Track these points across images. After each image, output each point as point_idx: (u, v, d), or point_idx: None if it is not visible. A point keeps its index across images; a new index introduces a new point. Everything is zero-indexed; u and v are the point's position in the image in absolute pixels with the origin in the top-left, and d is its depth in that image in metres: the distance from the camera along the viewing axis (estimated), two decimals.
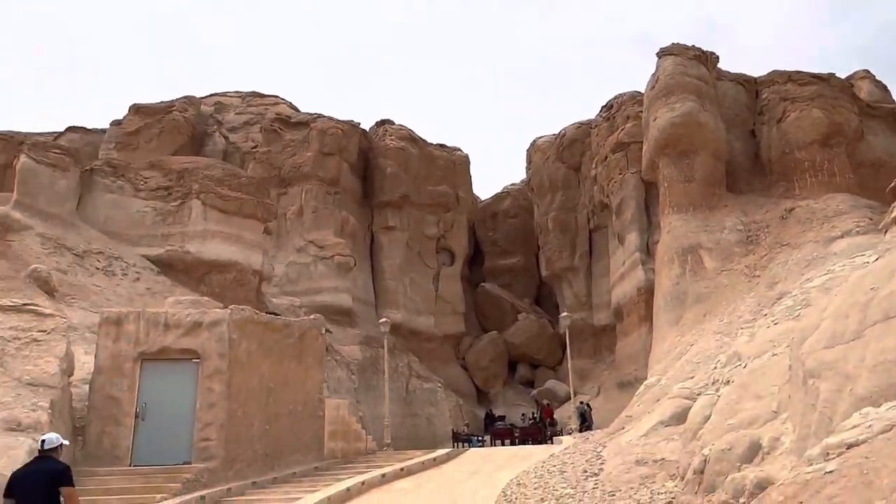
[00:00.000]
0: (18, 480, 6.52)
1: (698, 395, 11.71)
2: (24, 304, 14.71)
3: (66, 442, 6.83)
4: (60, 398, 13.14)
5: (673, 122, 20.28)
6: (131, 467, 13.55)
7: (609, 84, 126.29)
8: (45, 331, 13.84)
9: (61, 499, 6.34)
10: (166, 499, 12.00)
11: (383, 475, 14.64)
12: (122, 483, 12.57)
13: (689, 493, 6.94)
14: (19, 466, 7.04)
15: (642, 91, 37.12)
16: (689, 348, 16.22)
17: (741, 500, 5.88)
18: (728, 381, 9.13)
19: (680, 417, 11.44)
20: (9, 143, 43.66)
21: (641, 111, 33.52)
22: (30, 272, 20.47)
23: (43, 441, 6.68)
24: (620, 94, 39.27)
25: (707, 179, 20.57)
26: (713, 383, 9.89)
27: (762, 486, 5.54)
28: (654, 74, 27.46)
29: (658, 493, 8.04)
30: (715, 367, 12.27)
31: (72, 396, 14.34)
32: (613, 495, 8.73)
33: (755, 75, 31.80)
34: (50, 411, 12.34)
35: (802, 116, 23.90)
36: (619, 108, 38.30)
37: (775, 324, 12.44)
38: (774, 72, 27.89)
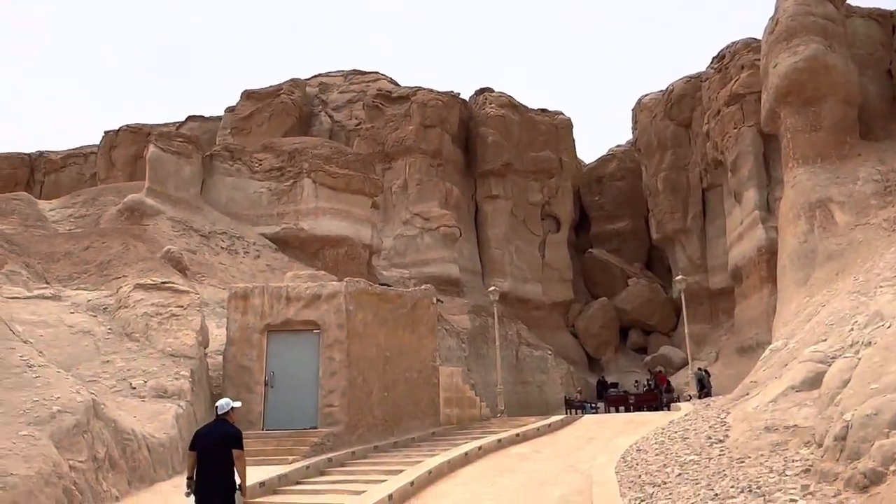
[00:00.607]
0: (200, 438, 7.53)
1: (833, 358, 10.97)
2: (163, 283, 15.95)
3: (235, 404, 7.80)
4: (199, 368, 14.22)
5: (796, 68, 18.65)
6: (264, 431, 14.49)
7: (720, 33, 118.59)
8: (182, 306, 14.96)
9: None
10: (297, 460, 12.77)
11: (499, 440, 14.83)
12: (256, 446, 13.47)
13: (830, 460, 6.53)
14: (200, 427, 8.18)
15: (758, 37, 34.62)
16: (820, 309, 15.17)
17: (891, 468, 5.48)
18: (870, 343, 8.46)
19: (813, 382, 10.78)
20: (138, 135, 47.28)
21: (758, 59, 31.22)
22: (164, 253, 22.18)
23: (217, 407, 7.71)
24: (734, 42, 36.81)
25: (836, 127, 18.83)
26: (851, 345, 9.20)
27: None
28: (772, 17, 25.37)
29: (792, 461, 7.63)
30: (852, 329, 11.41)
31: (208, 366, 15.48)
32: (742, 462, 8.38)
33: (891, 9, 28.78)
34: (191, 380, 13.40)
35: None
36: (733, 58, 35.91)
37: None
38: None
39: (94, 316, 14.95)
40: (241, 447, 7.41)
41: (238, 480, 7.31)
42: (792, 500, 6.06)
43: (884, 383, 6.99)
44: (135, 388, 12.67)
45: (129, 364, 13.27)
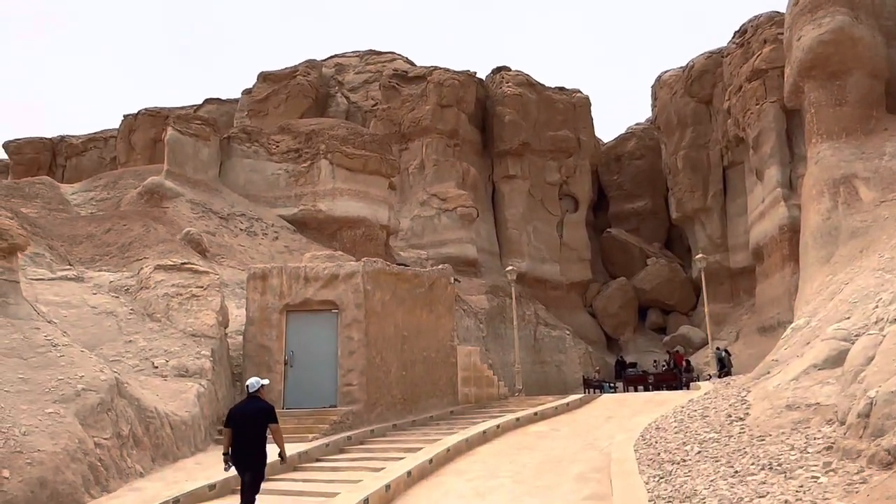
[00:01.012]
0: (235, 415, 7.82)
1: (857, 336, 10.80)
2: (183, 264, 16.10)
3: (265, 382, 8.19)
4: (219, 347, 14.39)
5: (821, 40, 18.16)
6: (284, 409, 14.64)
7: (742, 6, 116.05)
8: (202, 286, 15.11)
9: (268, 432, 7.73)
10: (317, 438, 12.90)
11: (517, 419, 14.86)
12: None
13: (853, 437, 6.45)
14: (235, 404, 8.45)
15: (780, 11, 33.84)
16: (844, 287, 14.93)
17: None
18: (895, 320, 8.32)
19: (836, 360, 10.63)
20: (156, 119, 47.62)
21: (780, 33, 30.54)
22: (184, 235, 22.38)
23: (249, 385, 8.04)
24: (756, 16, 36.08)
25: (863, 101, 18.37)
26: (876, 322, 9.04)
27: None
28: None
29: (814, 439, 7.55)
30: (876, 307, 11.23)
31: (228, 346, 15.65)
32: (763, 440, 8.31)
33: None
34: (211, 359, 13.56)
35: None
36: (755, 32, 35.20)
37: None
38: None
39: (117, 297, 15.15)
40: (276, 421, 7.79)
41: (270, 453, 7.71)
42: (814, 478, 6.01)
43: None
44: (157, 368, 12.85)
45: (151, 344, 13.46)
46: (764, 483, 6.29)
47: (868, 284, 13.72)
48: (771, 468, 6.75)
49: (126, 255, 20.86)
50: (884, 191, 16.73)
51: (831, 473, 5.98)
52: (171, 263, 16.07)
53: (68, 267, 18.18)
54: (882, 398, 6.22)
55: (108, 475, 9.16)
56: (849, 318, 12.54)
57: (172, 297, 14.87)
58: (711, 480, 6.91)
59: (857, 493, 5.05)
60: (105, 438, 9.44)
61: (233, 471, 7.78)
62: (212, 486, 9.49)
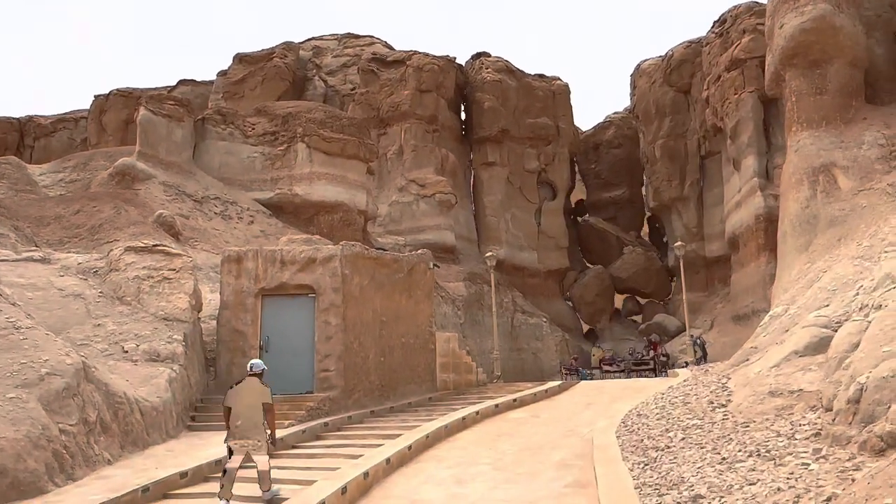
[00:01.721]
0: (232, 394, 8.32)
1: (837, 323, 10.81)
2: (155, 245, 15.62)
3: (265, 367, 8.74)
4: (192, 332, 13.98)
5: (803, 28, 18.17)
6: None
7: None
8: (174, 269, 14.66)
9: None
10: (293, 424, 12.62)
11: (496, 406, 14.71)
12: None
13: (842, 424, 6.36)
14: (234, 382, 8.81)
15: (759, 1, 33.93)
16: (822, 275, 14.98)
17: None
18: (880, 306, 8.26)
19: (817, 347, 10.62)
20: (129, 100, 46.41)
21: (759, 24, 30.59)
22: (156, 217, 21.81)
23: (252, 365, 8.62)
24: (735, 6, 36.12)
25: (842, 90, 18.43)
26: (861, 308, 9.00)
27: None
28: None
29: (800, 425, 7.47)
30: (857, 294, 11.22)
31: (202, 331, 15.24)
32: (748, 426, 8.23)
33: None
34: (184, 344, 13.17)
35: None
36: (734, 22, 35.26)
37: None
38: None
39: (85, 279, 14.64)
40: (270, 401, 8.34)
41: (268, 432, 8.27)
42: (804, 464, 5.90)
43: None
44: (127, 352, 12.43)
45: (121, 328, 13.02)
46: (753, 470, 6.17)
47: (847, 272, 13.78)
48: (759, 455, 6.65)
49: (96, 238, 20.26)
50: (862, 180, 16.83)
51: (822, 460, 5.88)
52: (143, 245, 15.58)
53: (34, 248, 17.57)
54: (873, 384, 6.13)
55: (74, 463, 8.79)
56: (828, 305, 12.57)
57: (144, 279, 14.40)
58: (699, 468, 6.79)
59: (852, 480, 4.93)
60: (70, 425, 9.06)
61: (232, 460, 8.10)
62: (183, 474, 9.17)
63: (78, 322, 12.86)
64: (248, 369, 8.60)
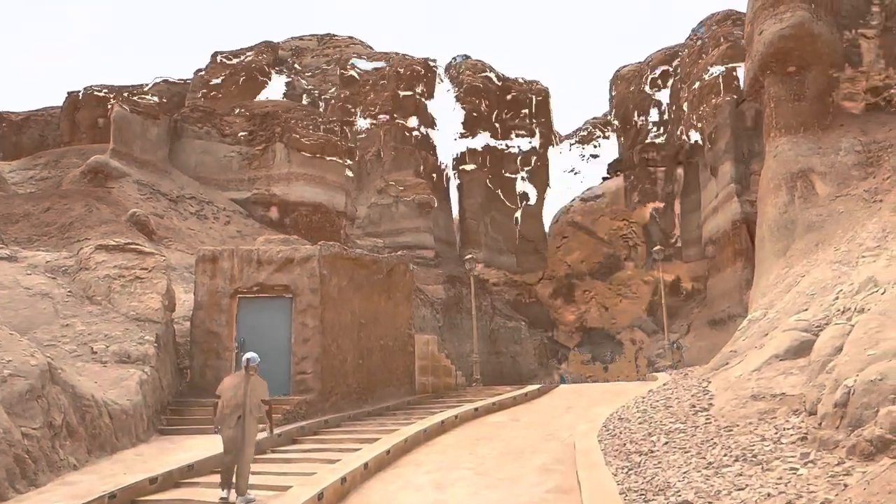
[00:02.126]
0: (227, 387, 8.34)
1: (818, 327, 10.82)
2: (127, 244, 15.21)
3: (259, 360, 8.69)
4: (165, 333, 13.61)
5: (782, 35, 18.37)
6: None
7: (700, 4, 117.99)
8: (147, 268, 14.27)
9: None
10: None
11: (476, 409, 14.53)
12: None
13: (829, 427, 6.28)
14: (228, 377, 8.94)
15: (737, 9, 34.34)
16: (801, 280, 15.06)
17: None
18: (863, 310, 8.24)
19: (797, 351, 10.62)
20: (103, 97, 45.46)
21: (737, 31, 30.90)
22: (129, 216, 21.31)
23: (248, 359, 8.54)
24: (713, 14, 36.55)
25: (820, 97, 18.69)
26: (842, 312, 8.99)
27: None
28: None
29: (785, 429, 7.39)
30: (836, 298, 11.26)
31: (175, 332, 14.85)
32: (731, 430, 8.14)
33: None
34: (156, 345, 12.79)
35: None
36: (712, 29, 35.62)
37: None
38: None
39: (53, 278, 14.19)
40: (266, 395, 8.41)
41: (262, 425, 8.42)
42: (792, 469, 5.80)
43: (882, 349, 6.75)
44: (96, 353, 12.03)
45: (91, 328, 12.61)
46: (741, 475, 6.06)
47: (825, 277, 13.84)
48: (745, 459, 6.55)
49: (66, 236, 19.69)
50: (839, 185, 16.98)
51: (810, 465, 5.78)
52: (115, 244, 15.16)
53: (1, 246, 17.03)
54: (860, 388, 6.06)
55: (37, 468, 8.42)
56: (807, 309, 12.59)
57: (114, 278, 13.99)
58: (684, 472, 6.66)
59: (845, 486, 4.82)
60: (34, 428, 8.69)
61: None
62: (153, 480, 8.83)
63: (45, 322, 12.43)
64: (246, 363, 8.47)
